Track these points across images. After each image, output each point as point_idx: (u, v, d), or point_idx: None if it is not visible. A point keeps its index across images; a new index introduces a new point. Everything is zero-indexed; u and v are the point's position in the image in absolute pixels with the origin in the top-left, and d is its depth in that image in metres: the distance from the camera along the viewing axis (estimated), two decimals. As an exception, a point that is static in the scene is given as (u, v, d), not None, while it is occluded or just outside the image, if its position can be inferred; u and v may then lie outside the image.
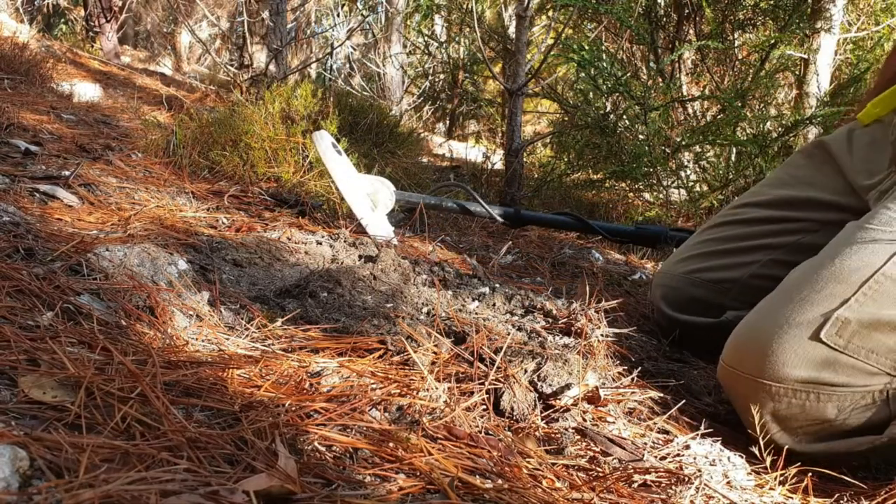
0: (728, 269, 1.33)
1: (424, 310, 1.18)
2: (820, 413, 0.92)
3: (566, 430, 0.86)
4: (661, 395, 0.99)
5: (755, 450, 0.90)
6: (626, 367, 1.05)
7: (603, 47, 2.96)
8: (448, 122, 6.38)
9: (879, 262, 0.92)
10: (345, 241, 1.57)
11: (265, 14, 4.21)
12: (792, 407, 0.92)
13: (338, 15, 5.64)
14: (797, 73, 3.11)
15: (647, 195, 3.09)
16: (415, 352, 0.91)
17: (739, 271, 1.32)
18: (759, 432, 0.92)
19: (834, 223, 1.06)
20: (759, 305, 1.01)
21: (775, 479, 0.85)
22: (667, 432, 0.93)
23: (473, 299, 1.29)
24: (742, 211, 1.37)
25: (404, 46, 5.62)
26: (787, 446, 0.91)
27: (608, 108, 2.89)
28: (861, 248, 0.95)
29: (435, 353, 0.93)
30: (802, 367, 0.91)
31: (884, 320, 0.90)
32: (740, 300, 1.29)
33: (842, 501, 0.84)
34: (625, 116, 2.76)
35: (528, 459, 0.77)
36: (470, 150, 4.67)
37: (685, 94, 3.14)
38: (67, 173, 1.62)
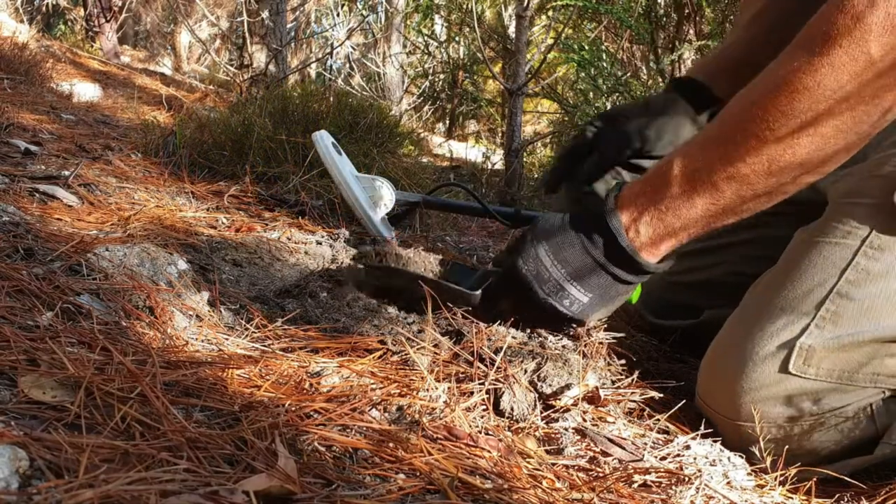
0: (702, 271, 1.29)
1: (424, 310, 1.17)
2: (805, 443, 0.91)
3: (566, 430, 0.86)
4: (661, 395, 0.99)
5: (755, 450, 0.90)
6: (626, 368, 1.05)
7: (603, 47, 2.96)
8: (448, 122, 6.37)
9: (831, 280, 0.90)
10: (345, 241, 1.57)
11: (265, 14, 4.21)
12: (775, 442, 0.91)
13: (337, 15, 5.64)
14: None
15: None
16: (414, 352, 0.91)
17: (712, 272, 1.28)
18: (759, 432, 0.91)
19: (805, 213, 1.01)
20: (718, 336, 0.98)
21: (775, 479, 0.85)
22: (667, 432, 0.93)
23: (473, 299, 1.29)
24: None
25: (404, 46, 5.62)
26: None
27: (608, 108, 2.89)
28: (811, 267, 0.92)
29: (435, 353, 0.93)
30: (777, 404, 0.89)
31: (847, 341, 0.88)
32: (720, 298, 1.23)
33: (842, 501, 0.84)
34: (625, 116, 2.75)
35: (527, 459, 0.77)
36: (470, 150, 4.67)
37: (685, 94, 3.13)
38: (67, 173, 1.62)
